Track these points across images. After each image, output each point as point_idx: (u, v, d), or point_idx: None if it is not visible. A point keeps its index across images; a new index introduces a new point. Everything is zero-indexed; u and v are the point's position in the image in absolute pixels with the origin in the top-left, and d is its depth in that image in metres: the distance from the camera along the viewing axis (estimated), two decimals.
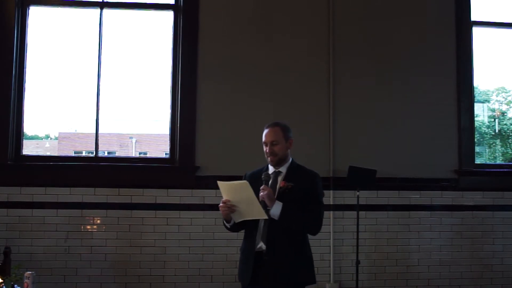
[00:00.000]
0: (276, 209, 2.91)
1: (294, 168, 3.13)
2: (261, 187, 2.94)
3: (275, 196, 2.98)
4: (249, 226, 3.08)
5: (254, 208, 2.88)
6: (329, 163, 5.06)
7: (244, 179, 3.11)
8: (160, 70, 5.23)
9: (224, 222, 3.10)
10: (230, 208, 2.93)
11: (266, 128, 3.13)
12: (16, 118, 4.88)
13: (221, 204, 2.96)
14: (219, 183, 2.93)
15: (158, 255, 4.80)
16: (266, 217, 2.91)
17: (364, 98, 5.18)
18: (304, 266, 3.05)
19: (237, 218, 2.99)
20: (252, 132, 4.99)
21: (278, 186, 3.05)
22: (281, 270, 2.95)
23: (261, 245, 2.99)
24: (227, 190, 2.94)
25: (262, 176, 3.03)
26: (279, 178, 3.08)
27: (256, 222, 3.02)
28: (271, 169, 3.13)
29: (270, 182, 3.05)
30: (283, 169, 3.11)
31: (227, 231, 3.19)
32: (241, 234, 3.34)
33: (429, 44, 5.32)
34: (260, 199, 2.92)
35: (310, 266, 3.09)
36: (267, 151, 3.09)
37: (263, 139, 3.11)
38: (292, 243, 3.00)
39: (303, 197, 2.99)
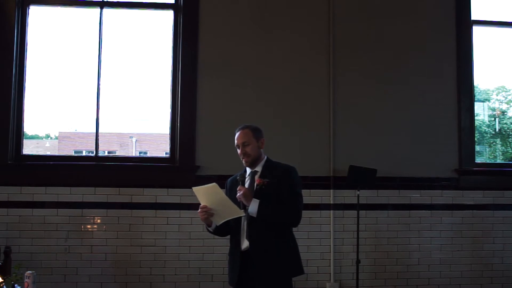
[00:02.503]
0: (253, 206, 3.00)
1: (269, 165, 3.22)
2: (238, 188, 3.08)
3: (253, 194, 3.06)
4: (233, 229, 3.17)
5: (229, 207, 2.98)
6: (329, 162, 5.06)
7: (226, 187, 3.26)
8: (160, 69, 5.23)
9: (206, 227, 3.21)
10: (207, 212, 3.03)
11: (237, 131, 3.25)
12: (16, 118, 4.88)
13: (199, 210, 3.07)
14: (194, 189, 3.05)
15: (158, 255, 4.80)
16: (243, 214, 3.01)
17: (364, 97, 5.18)
18: (290, 258, 3.12)
19: (218, 221, 3.08)
20: None
21: (255, 184, 3.14)
22: (267, 266, 3.02)
23: (246, 243, 3.07)
24: (201, 195, 3.05)
25: (237, 178, 3.19)
26: (256, 177, 3.17)
27: (239, 223, 3.11)
28: (248, 171, 3.24)
29: (248, 182, 3.17)
30: (258, 168, 3.21)
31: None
32: None
33: (429, 42, 5.32)
34: (238, 199, 3.04)
35: (296, 257, 3.16)
36: (240, 153, 3.20)
37: (235, 142, 3.23)
38: (275, 237, 3.07)
39: (280, 191, 3.07)
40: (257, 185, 3.12)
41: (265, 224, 3.03)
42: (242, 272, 3.08)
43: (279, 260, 3.06)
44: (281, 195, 3.07)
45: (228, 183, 3.34)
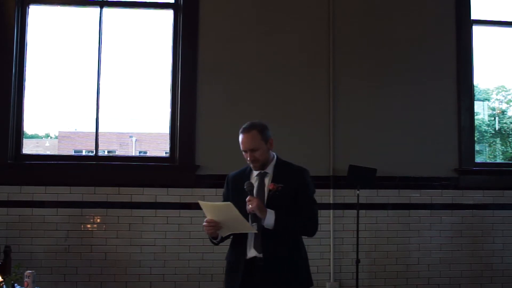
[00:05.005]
0: (270, 219, 2.74)
1: (281, 166, 2.92)
2: (247, 199, 2.76)
3: (265, 201, 2.82)
4: (236, 236, 2.93)
5: (241, 224, 2.76)
6: (329, 162, 5.06)
7: (226, 182, 3.03)
8: (160, 68, 5.23)
9: (211, 239, 2.96)
10: (215, 226, 2.79)
11: (241, 133, 2.86)
12: (16, 117, 4.88)
13: (205, 223, 2.81)
14: (201, 203, 2.79)
15: (158, 254, 4.80)
16: (255, 231, 2.77)
17: (364, 97, 5.18)
18: (302, 270, 2.91)
19: (224, 233, 2.88)
20: None
21: (266, 189, 2.86)
22: (278, 276, 2.81)
23: (253, 252, 2.82)
24: (210, 210, 2.80)
25: (245, 187, 2.81)
26: (266, 180, 2.89)
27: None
28: (255, 171, 2.92)
29: (256, 184, 2.87)
30: (269, 169, 2.90)
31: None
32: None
33: (429, 42, 5.31)
34: (249, 211, 2.75)
35: (306, 268, 2.95)
36: (249, 159, 2.86)
37: (241, 146, 2.87)
38: (288, 247, 2.86)
39: (294, 197, 2.84)
40: (270, 190, 2.84)
41: (278, 235, 2.79)
42: (245, 280, 2.82)
43: (292, 272, 2.84)
44: (296, 202, 2.83)
45: (230, 180, 3.02)
